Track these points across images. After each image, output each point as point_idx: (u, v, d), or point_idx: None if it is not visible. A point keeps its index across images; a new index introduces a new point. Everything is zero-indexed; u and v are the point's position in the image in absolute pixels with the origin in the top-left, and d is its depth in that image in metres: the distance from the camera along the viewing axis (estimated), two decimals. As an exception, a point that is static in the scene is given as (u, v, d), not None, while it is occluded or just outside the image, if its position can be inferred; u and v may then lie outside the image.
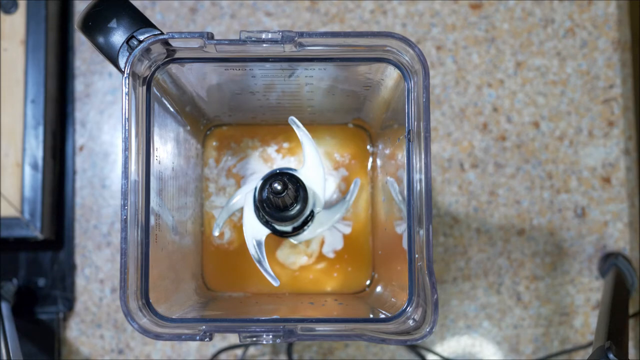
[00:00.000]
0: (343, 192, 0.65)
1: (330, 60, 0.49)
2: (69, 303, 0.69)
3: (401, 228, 0.52)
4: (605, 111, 0.72)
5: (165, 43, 0.46)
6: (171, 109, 0.54)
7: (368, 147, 0.66)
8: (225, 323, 0.49)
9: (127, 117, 0.45)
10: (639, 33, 0.80)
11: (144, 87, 0.47)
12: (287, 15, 0.73)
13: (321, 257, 0.65)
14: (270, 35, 0.46)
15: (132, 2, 0.46)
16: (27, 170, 0.67)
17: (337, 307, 0.61)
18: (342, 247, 0.65)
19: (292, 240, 0.64)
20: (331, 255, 0.65)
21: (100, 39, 0.45)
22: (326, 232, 0.65)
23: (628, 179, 0.72)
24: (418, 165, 0.46)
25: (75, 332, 0.70)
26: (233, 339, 0.70)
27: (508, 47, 0.73)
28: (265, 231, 0.62)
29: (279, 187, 0.55)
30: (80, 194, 0.71)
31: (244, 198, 0.63)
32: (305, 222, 0.61)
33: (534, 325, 0.71)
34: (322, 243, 0.66)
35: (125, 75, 0.45)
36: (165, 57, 0.47)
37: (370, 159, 0.66)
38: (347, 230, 0.66)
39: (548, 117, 0.72)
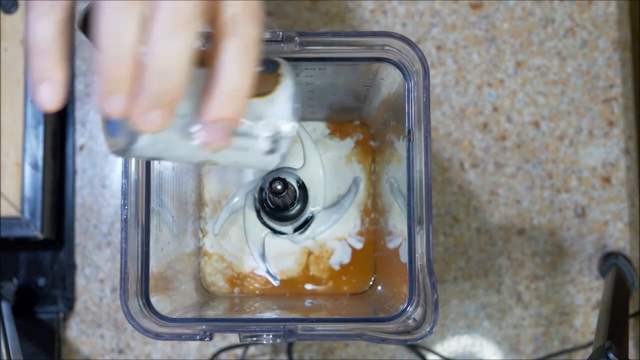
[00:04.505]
0: (344, 192, 0.65)
1: (331, 60, 0.49)
2: (69, 303, 0.69)
3: (401, 228, 0.52)
4: (605, 111, 0.72)
5: (166, 43, 0.46)
6: (171, 109, 0.54)
7: (370, 145, 0.66)
8: (225, 323, 0.49)
9: (127, 116, 0.45)
10: (639, 33, 0.80)
11: (144, 87, 0.47)
12: (288, 15, 0.73)
13: (325, 263, 0.65)
14: (270, 35, 0.46)
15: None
16: (27, 169, 0.67)
17: (338, 307, 0.61)
18: (349, 261, 0.65)
19: (293, 240, 0.64)
20: (337, 267, 0.65)
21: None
22: (337, 245, 0.65)
23: (628, 179, 0.72)
24: (418, 165, 0.46)
25: (76, 331, 0.70)
26: (233, 338, 0.70)
27: (508, 47, 0.73)
28: (266, 231, 0.62)
29: (279, 187, 0.55)
30: (80, 194, 0.71)
31: (244, 198, 0.63)
32: (306, 222, 0.61)
33: (534, 324, 0.71)
34: (331, 252, 0.66)
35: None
36: (166, 57, 0.47)
37: (372, 158, 0.66)
38: (359, 245, 0.66)
39: (548, 116, 0.72)
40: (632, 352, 0.69)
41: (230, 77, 0.33)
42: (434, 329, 0.43)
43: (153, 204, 0.49)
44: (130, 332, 0.70)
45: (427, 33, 0.73)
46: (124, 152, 0.35)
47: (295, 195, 0.59)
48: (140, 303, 0.47)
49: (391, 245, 0.57)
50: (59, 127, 0.71)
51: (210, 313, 0.57)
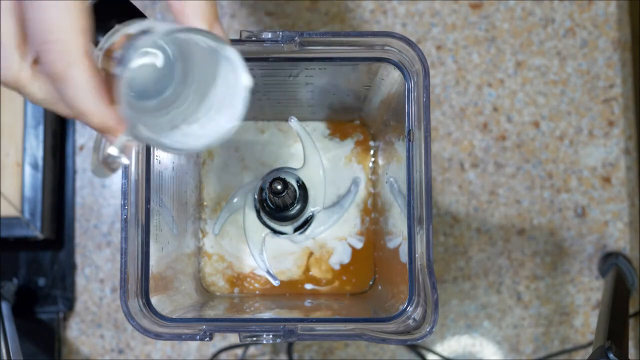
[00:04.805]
0: (344, 192, 0.65)
1: (331, 60, 0.49)
2: (69, 303, 0.69)
3: (401, 227, 0.52)
4: (605, 111, 0.72)
5: (166, 43, 0.46)
6: (171, 109, 0.54)
7: (370, 145, 0.66)
8: (225, 323, 0.49)
9: (127, 116, 0.45)
10: (639, 33, 0.80)
11: (144, 87, 0.47)
12: (288, 15, 0.73)
13: (325, 262, 0.65)
14: (270, 35, 0.46)
15: (132, 1, 0.46)
16: (28, 169, 0.67)
17: (338, 307, 0.61)
18: (349, 261, 0.65)
19: (293, 240, 0.64)
20: (337, 267, 0.65)
21: (100, 39, 0.45)
22: (337, 245, 0.65)
23: (628, 179, 0.72)
24: (418, 165, 0.46)
25: (76, 331, 0.70)
26: (233, 338, 0.70)
27: (508, 47, 0.73)
28: (266, 231, 0.62)
29: (279, 187, 0.55)
30: (80, 194, 0.71)
31: (244, 198, 0.63)
32: (306, 222, 0.61)
33: (534, 324, 0.71)
34: (331, 253, 0.66)
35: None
36: (166, 57, 0.47)
37: (372, 158, 0.66)
38: (359, 245, 0.65)
39: (548, 116, 0.72)
40: (632, 352, 0.69)
41: (67, 99, 0.33)
42: (434, 329, 0.43)
43: (153, 204, 0.49)
44: (130, 332, 0.70)
45: (427, 33, 0.73)
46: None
47: (295, 195, 0.59)
48: (140, 303, 0.47)
49: (391, 245, 0.57)
50: (59, 127, 0.71)
51: (210, 313, 0.57)
